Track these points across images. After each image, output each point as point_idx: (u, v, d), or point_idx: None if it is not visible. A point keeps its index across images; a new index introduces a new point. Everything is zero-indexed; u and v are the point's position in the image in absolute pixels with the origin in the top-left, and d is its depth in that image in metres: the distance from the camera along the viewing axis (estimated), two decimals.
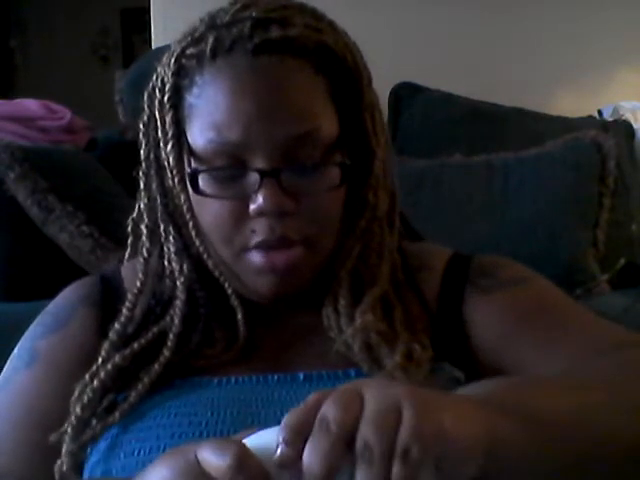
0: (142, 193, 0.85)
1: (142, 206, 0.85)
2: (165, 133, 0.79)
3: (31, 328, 0.88)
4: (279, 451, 0.51)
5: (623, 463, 0.64)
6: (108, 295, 0.87)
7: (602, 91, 2.39)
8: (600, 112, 2.23)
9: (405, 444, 0.50)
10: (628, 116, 2.15)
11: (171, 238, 0.82)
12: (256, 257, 0.76)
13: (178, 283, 0.81)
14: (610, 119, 2.16)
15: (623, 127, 2.06)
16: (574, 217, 1.69)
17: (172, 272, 0.82)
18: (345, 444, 0.51)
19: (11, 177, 1.45)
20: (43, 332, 0.86)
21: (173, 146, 0.79)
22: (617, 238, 1.73)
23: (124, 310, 0.81)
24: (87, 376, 0.77)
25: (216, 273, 0.80)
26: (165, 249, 0.83)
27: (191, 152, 0.78)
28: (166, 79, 0.79)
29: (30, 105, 1.78)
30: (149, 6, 2.44)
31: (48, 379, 0.82)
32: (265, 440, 0.54)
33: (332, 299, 0.79)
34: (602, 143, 1.72)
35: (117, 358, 0.77)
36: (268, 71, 0.75)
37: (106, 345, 0.79)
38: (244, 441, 0.54)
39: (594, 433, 0.62)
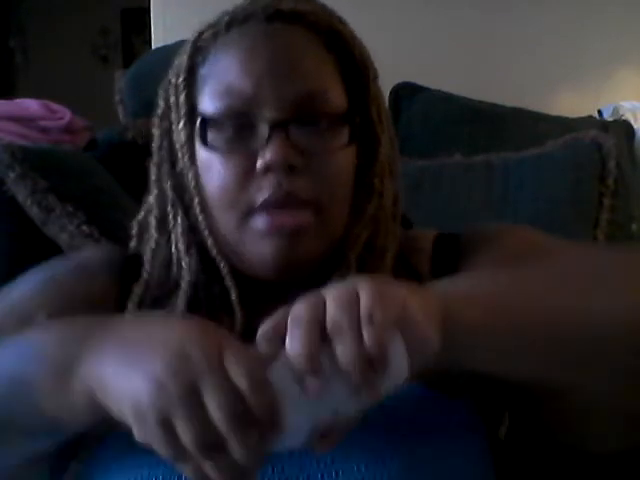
0: (153, 185, 0.85)
1: (151, 198, 0.86)
2: (178, 110, 0.81)
3: (49, 262, 0.88)
4: (259, 347, 0.57)
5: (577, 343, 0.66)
6: (127, 277, 0.86)
7: (602, 91, 2.39)
8: (600, 112, 2.23)
9: (368, 309, 0.56)
10: (628, 116, 2.14)
11: (179, 219, 0.82)
12: (262, 220, 0.76)
13: (183, 263, 0.81)
14: (610, 119, 2.16)
15: (623, 127, 2.06)
16: (574, 217, 1.69)
17: (179, 257, 0.82)
18: (319, 329, 0.56)
19: (11, 177, 1.45)
20: (65, 267, 0.86)
21: (185, 124, 0.80)
22: (617, 238, 1.73)
23: (129, 305, 0.82)
24: None
25: (214, 252, 0.79)
26: (172, 236, 0.83)
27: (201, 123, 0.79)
28: (182, 63, 0.82)
29: (30, 105, 1.78)
30: (149, 6, 2.44)
31: (56, 299, 0.81)
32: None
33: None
34: (602, 143, 1.72)
35: None
36: (280, 35, 0.78)
37: None
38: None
39: (552, 316, 0.66)
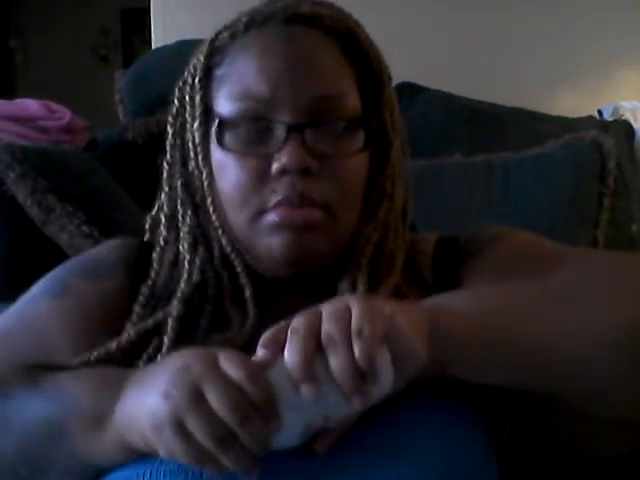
0: (164, 182, 0.86)
1: (162, 196, 0.86)
2: (193, 111, 0.82)
3: (69, 264, 0.89)
4: (258, 354, 0.63)
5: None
6: (142, 267, 0.87)
7: (602, 91, 2.39)
8: (600, 112, 2.23)
9: (357, 325, 0.61)
10: (628, 116, 2.14)
11: (188, 219, 0.83)
12: (274, 216, 0.77)
13: (185, 262, 0.82)
14: (610, 119, 2.16)
15: (623, 127, 2.06)
16: (574, 217, 1.69)
17: (184, 255, 0.83)
18: (314, 341, 0.61)
19: (11, 177, 1.45)
20: (81, 273, 0.87)
21: (200, 124, 0.81)
22: (617, 238, 1.73)
23: (135, 307, 0.82)
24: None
25: (228, 249, 0.81)
26: (181, 234, 0.84)
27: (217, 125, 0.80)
28: (198, 63, 0.82)
29: (30, 105, 1.78)
30: (149, 6, 2.44)
31: (73, 315, 0.83)
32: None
33: (348, 285, 0.80)
34: (602, 143, 1.72)
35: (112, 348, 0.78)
36: (298, 38, 0.79)
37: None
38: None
39: (546, 328, 0.69)
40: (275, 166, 0.76)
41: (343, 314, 0.63)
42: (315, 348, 0.62)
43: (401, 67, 2.11)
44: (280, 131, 0.76)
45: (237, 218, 0.79)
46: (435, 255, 0.86)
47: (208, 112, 0.81)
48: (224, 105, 0.79)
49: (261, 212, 0.78)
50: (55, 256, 1.48)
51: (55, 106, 1.81)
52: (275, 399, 0.61)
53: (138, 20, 4.37)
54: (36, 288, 0.87)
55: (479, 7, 2.37)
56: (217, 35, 0.82)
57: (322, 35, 0.80)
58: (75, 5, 5.08)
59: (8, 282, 1.52)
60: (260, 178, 0.77)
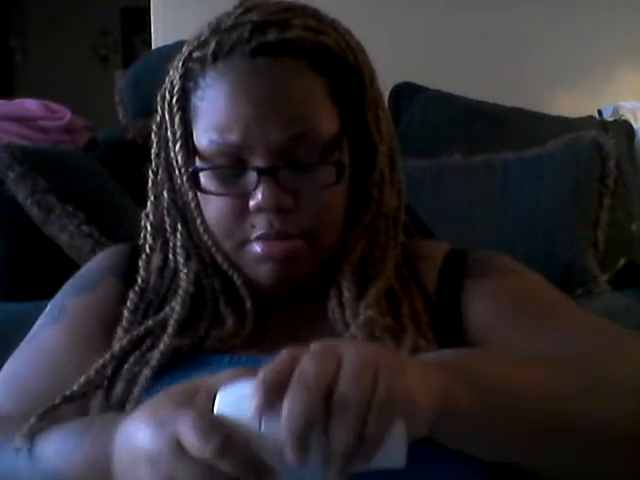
0: (150, 190, 0.86)
1: (149, 203, 0.86)
2: (174, 133, 0.82)
3: (64, 287, 0.91)
4: (255, 402, 0.54)
5: (585, 443, 0.67)
6: (134, 269, 0.88)
7: (602, 91, 2.39)
8: (600, 112, 2.23)
9: (382, 402, 0.55)
10: (628, 116, 2.15)
11: (178, 234, 0.84)
12: (255, 248, 0.79)
13: (182, 274, 0.83)
14: (610, 119, 2.16)
15: (623, 127, 2.06)
16: (574, 217, 1.69)
17: (176, 265, 0.84)
18: (323, 398, 0.54)
19: (11, 177, 1.46)
20: (73, 292, 0.89)
21: (181, 146, 0.81)
22: (617, 238, 1.73)
23: (125, 313, 0.82)
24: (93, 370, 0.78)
25: (224, 266, 0.82)
26: (170, 244, 0.85)
27: (195, 151, 0.81)
28: (174, 81, 0.82)
29: (30, 105, 1.78)
30: (149, 6, 2.45)
31: (72, 333, 0.85)
32: (240, 394, 0.56)
33: (336, 292, 0.81)
34: (602, 143, 1.72)
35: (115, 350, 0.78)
36: (265, 73, 0.77)
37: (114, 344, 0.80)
38: (219, 393, 0.57)
39: (549, 408, 0.66)
40: (251, 204, 0.77)
41: (368, 382, 0.55)
42: (321, 406, 0.54)
43: (401, 67, 2.12)
44: (253, 174, 0.77)
45: (224, 244, 0.81)
46: (443, 267, 0.86)
47: (188, 135, 0.81)
48: (200, 137, 0.80)
49: (244, 242, 0.80)
50: (55, 256, 1.49)
51: (55, 106, 1.82)
52: (258, 462, 0.54)
53: (138, 20, 4.37)
54: (36, 324, 0.89)
55: (479, 7, 2.37)
56: (190, 54, 0.80)
57: (290, 61, 0.77)
58: (75, 5, 5.08)
59: (8, 282, 1.52)
60: (239, 213, 0.79)
